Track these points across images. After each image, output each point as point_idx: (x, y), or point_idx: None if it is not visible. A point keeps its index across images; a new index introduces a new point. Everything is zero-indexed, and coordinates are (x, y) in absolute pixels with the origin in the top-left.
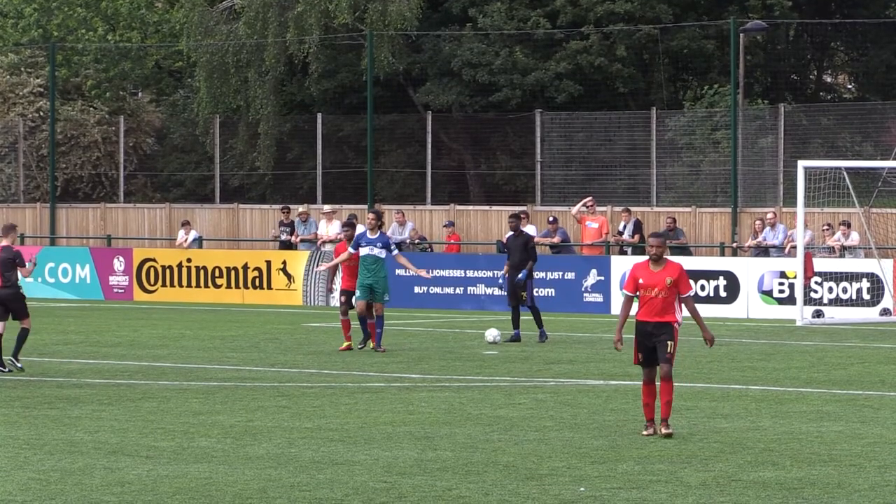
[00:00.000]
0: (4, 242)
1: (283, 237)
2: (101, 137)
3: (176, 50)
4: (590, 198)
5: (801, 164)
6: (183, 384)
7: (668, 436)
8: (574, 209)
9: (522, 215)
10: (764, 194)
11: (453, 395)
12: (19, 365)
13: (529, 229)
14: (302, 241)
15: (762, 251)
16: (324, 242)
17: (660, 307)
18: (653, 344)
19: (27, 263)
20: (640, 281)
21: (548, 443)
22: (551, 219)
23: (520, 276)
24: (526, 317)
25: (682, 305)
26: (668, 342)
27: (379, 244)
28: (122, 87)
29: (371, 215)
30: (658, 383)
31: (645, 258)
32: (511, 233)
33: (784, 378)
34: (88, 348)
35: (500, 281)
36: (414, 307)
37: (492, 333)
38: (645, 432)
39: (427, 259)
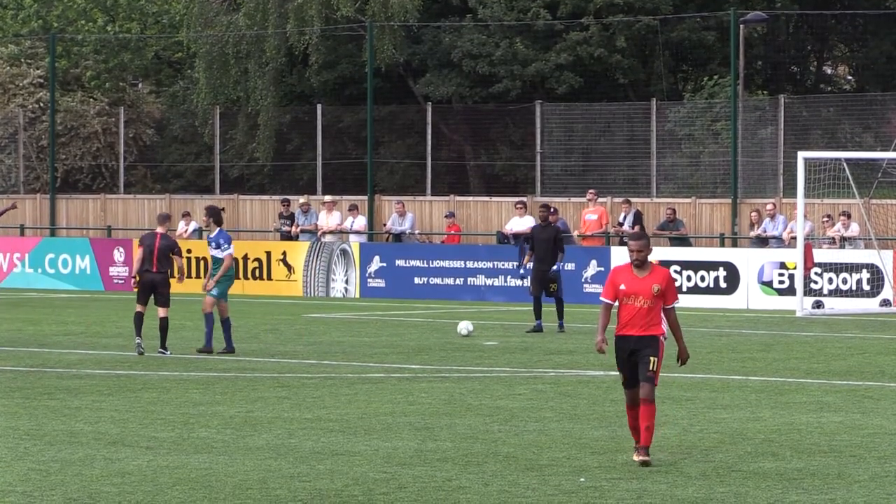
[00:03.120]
0: (160, 230)
1: (284, 229)
2: (101, 128)
3: (176, 41)
4: (591, 190)
5: (801, 154)
6: (183, 375)
7: (646, 464)
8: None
9: (519, 206)
10: (764, 185)
11: (453, 386)
12: (168, 353)
13: (528, 220)
14: (302, 231)
15: (759, 242)
16: (324, 233)
17: (644, 319)
18: (635, 361)
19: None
20: (622, 287)
21: (548, 433)
22: (552, 209)
23: (554, 267)
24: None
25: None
26: (651, 358)
27: (213, 244)
28: (121, 78)
29: (205, 213)
30: (639, 408)
31: (628, 261)
32: (538, 223)
33: (784, 369)
34: (88, 339)
35: (522, 272)
36: (414, 298)
37: (466, 327)
38: (636, 457)
39: (427, 250)
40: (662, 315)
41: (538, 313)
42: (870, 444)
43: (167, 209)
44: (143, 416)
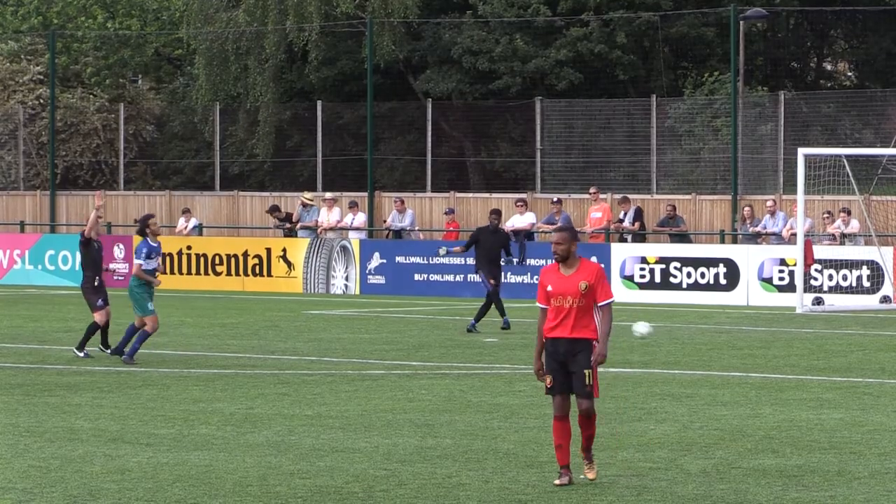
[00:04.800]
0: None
1: (287, 226)
2: (101, 125)
3: (176, 37)
4: (593, 187)
5: (802, 151)
6: (183, 372)
7: (592, 479)
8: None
9: (520, 203)
10: (764, 182)
11: (453, 383)
12: (80, 354)
13: (529, 216)
14: (303, 228)
15: (752, 238)
16: (324, 230)
17: (574, 320)
18: (567, 369)
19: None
20: (549, 288)
21: (548, 430)
22: (555, 199)
23: (513, 259)
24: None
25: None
26: (586, 371)
27: None
28: (121, 75)
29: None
30: (577, 418)
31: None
32: (488, 227)
33: (784, 365)
34: None
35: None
36: (414, 294)
37: (643, 328)
38: (557, 482)
39: (427, 246)
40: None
41: (501, 310)
42: (870, 440)
43: (167, 206)
44: (143, 412)
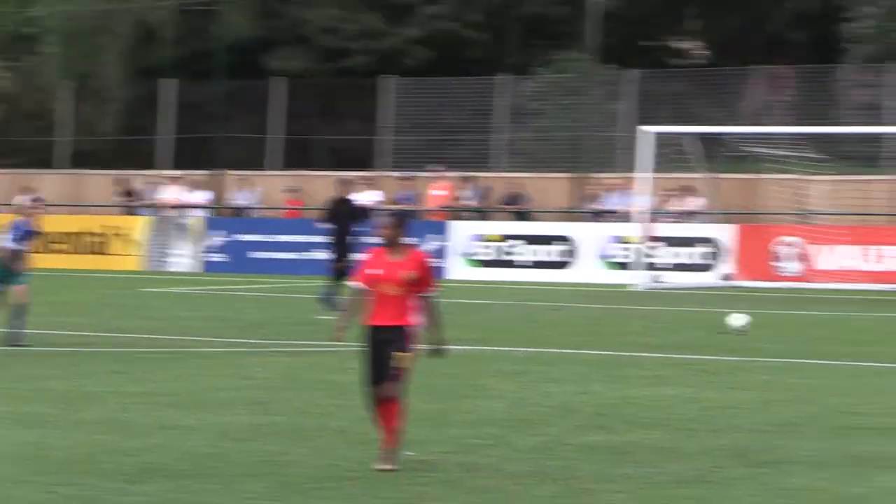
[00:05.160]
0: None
1: (129, 205)
2: None
3: (28, 16)
4: (438, 165)
5: (645, 129)
6: (16, 349)
7: (389, 470)
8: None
9: (363, 181)
10: (613, 160)
11: (289, 360)
12: None
13: (373, 194)
14: (145, 206)
15: (597, 216)
16: (166, 207)
17: (394, 308)
18: (383, 356)
19: None
20: (372, 272)
21: None
22: (406, 175)
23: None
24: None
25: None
26: (397, 354)
27: None
28: None
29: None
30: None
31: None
32: (338, 197)
33: (620, 343)
34: None
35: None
36: (253, 272)
37: (739, 319)
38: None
39: (270, 224)
40: (421, 304)
41: (335, 291)
42: (703, 417)
43: (11, 184)
44: None
